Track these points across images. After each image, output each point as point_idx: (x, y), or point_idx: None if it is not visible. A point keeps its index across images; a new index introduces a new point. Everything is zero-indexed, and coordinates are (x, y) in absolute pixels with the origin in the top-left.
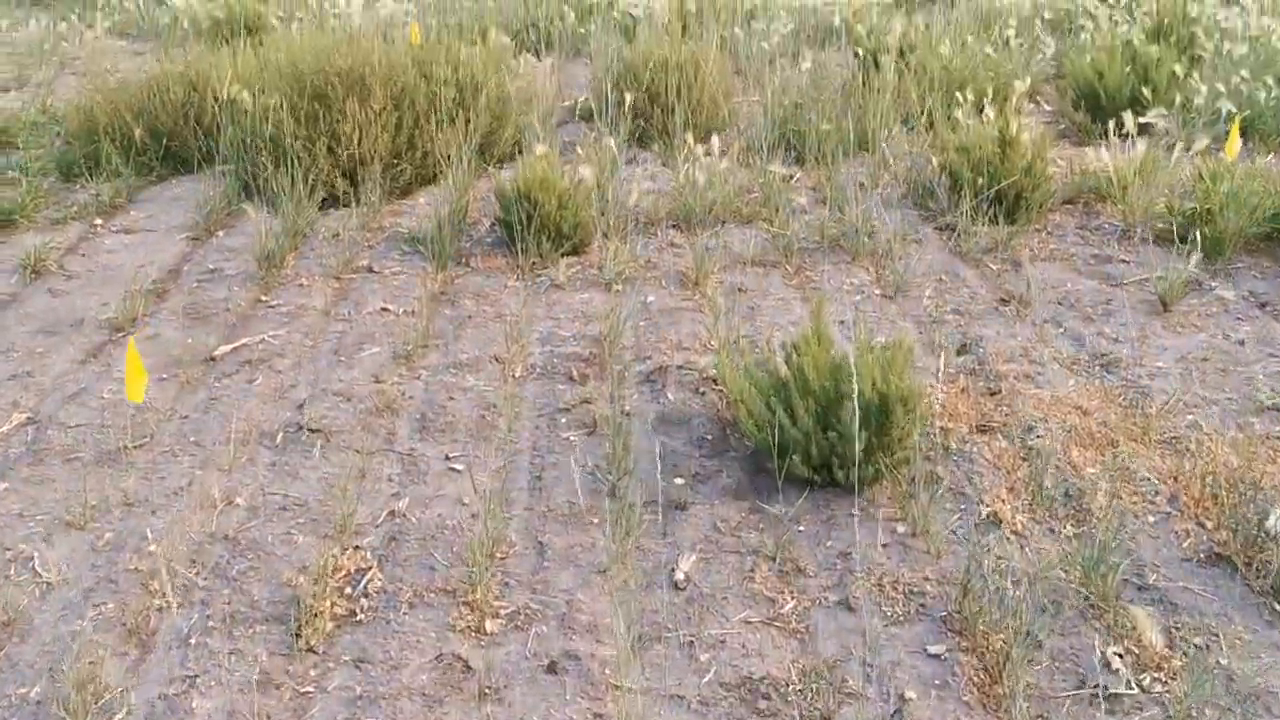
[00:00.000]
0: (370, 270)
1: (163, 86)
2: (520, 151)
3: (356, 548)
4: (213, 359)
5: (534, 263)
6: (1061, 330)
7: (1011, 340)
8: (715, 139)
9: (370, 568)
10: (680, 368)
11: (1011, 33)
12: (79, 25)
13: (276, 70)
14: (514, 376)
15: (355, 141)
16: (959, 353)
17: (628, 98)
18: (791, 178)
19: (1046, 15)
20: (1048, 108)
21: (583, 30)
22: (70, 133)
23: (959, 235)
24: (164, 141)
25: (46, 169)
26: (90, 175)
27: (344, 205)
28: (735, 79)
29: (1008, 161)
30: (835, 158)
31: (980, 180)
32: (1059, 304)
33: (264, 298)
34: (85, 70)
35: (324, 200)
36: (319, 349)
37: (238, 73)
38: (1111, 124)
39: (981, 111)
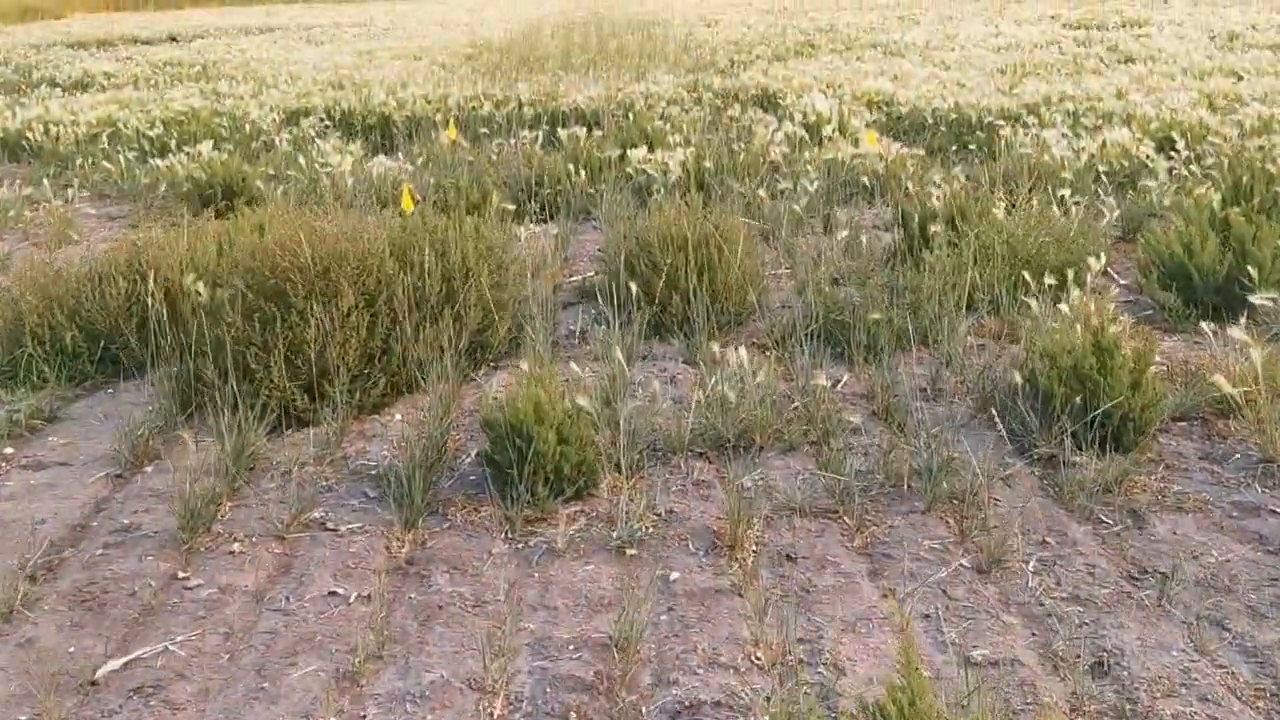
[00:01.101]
0: (323, 526)
1: (104, 278)
2: (517, 346)
3: None
4: (94, 683)
5: (527, 515)
6: (1225, 637)
7: (1161, 655)
8: (743, 350)
9: None
10: (718, 703)
11: (1066, 192)
12: (48, 190)
13: (234, 258)
14: (491, 717)
15: (317, 350)
16: (1093, 674)
17: (640, 289)
18: (838, 383)
19: (1102, 169)
20: (1122, 282)
21: (593, 190)
22: None
23: (1056, 472)
24: (101, 343)
25: None
26: (9, 388)
27: (303, 425)
28: (762, 244)
29: (1107, 373)
30: (888, 355)
31: (1077, 398)
32: (1209, 586)
33: (182, 573)
34: (44, 244)
35: (278, 421)
36: (237, 664)
37: (193, 260)
38: (1211, 313)
39: (1059, 294)
